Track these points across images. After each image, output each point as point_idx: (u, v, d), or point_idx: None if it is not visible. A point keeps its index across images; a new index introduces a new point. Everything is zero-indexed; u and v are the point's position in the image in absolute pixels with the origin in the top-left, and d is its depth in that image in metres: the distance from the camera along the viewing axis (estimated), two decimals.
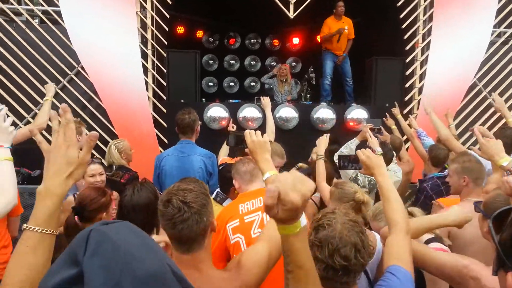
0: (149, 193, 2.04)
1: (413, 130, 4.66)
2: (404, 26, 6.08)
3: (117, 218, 2.05)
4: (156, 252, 0.68)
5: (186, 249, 1.39)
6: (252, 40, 9.58)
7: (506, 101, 6.15)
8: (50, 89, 3.74)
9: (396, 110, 5.13)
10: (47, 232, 1.05)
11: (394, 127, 5.14)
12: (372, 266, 2.36)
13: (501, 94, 6.12)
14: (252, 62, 9.62)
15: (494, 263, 0.78)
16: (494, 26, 6.06)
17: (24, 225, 1.05)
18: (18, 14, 5.52)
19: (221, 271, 1.46)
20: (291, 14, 6.07)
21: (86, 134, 3.57)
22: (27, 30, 5.37)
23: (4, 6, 5.45)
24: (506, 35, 6.21)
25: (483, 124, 6.05)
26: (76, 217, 2.25)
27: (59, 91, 5.42)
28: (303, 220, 1.01)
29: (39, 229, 1.03)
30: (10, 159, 1.95)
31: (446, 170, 3.27)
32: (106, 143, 5.34)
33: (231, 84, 9.58)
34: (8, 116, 2.06)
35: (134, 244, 0.66)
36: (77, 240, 0.66)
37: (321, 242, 1.31)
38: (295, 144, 5.55)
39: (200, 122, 3.52)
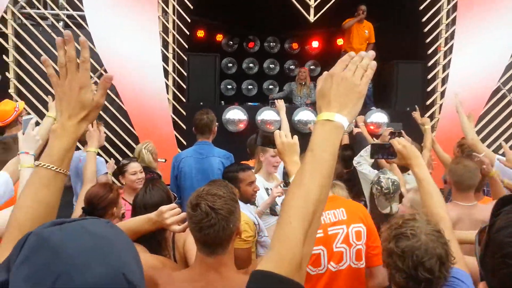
0: (161, 192, 2.05)
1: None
2: (426, 29, 6.00)
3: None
4: (111, 258, 0.60)
5: (210, 252, 1.42)
6: (271, 44, 9.58)
7: None
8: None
9: (416, 114, 4.97)
10: (61, 171, 0.99)
11: (427, 127, 4.56)
12: None
13: None
14: (271, 66, 9.63)
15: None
16: None
17: (37, 162, 1.00)
18: (44, 18, 5.68)
19: (242, 274, 1.47)
20: (312, 18, 6.05)
21: (105, 133, 3.67)
22: (53, 34, 5.51)
23: (32, 11, 5.61)
24: None
25: (507, 129, 5.91)
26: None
27: None
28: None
29: (53, 167, 0.98)
30: (33, 166, 1.99)
31: None
32: (127, 144, 5.44)
33: (249, 87, 9.60)
34: (37, 125, 2.15)
35: (81, 249, 0.59)
36: (17, 243, 0.61)
37: (404, 253, 1.26)
38: None
39: (217, 123, 3.54)
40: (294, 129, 5.57)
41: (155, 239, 1.81)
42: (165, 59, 5.65)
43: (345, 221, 2.13)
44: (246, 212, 2.62)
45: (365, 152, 3.76)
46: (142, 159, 3.64)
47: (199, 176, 3.33)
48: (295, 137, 1.79)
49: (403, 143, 1.78)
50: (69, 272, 0.56)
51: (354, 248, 2.11)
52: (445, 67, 5.99)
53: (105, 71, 5.51)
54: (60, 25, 5.73)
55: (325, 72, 0.98)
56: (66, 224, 0.63)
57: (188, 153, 3.53)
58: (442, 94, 5.92)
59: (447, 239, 1.35)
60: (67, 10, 5.64)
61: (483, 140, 5.59)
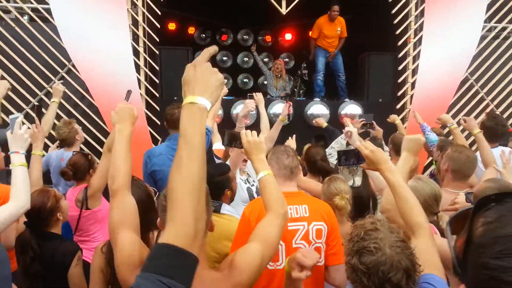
0: (137, 189, 1.98)
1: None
2: (396, 21, 6.10)
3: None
4: None
5: None
6: (245, 36, 9.52)
7: (497, 95, 6.22)
8: (58, 90, 3.84)
9: (392, 117, 4.94)
10: None
11: (398, 121, 4.85)
12: None
13: (492, 88, 6.19)
14: (245, 59, 9.58)
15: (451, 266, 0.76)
16: (485, 21, 6.10)
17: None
18: (7, 11, 5.44)
19: (214, 271, 1.44)
20: (284, 10, 6.05)
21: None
22: (17, 28, 5.30)
23: None
24: (496, 30, 6.26)
25: (475, 117, 6.10)
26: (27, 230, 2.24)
27: (50, 89, 5.36)
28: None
29: None
30: (25, 165, 2.07)
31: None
32: (99, 141, 5.31)
33: (223, 80, 9.53)
34: (23, 123, 2.17)
35: None
36: None
37: (369, 269, 1.20)
38: None
39: None
40: (270, 122, 5.56)
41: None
42: (136, 53, 5.53)
43: (306, 218, 2.12)
44: (237, 216, 2.49)
45: (336, 144, 3.78)
46: None
47: None
48: (261, 135, 1.80)
49: (370, 148, 1.73)
50: None
51: (313, 245, 2.10)
52: (415, 58, 6.11)
53: (73, 66, 5.35)
54: (24, 19, 5.51)
55: (189, 64, 1.11)
56: None
57: (162, 151, 3.37)
58: (413, 85, 6.04)
59: (429, 247, 1.34)
60: (32, 3, 5.41)
61: None
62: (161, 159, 3.27)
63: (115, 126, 1.77)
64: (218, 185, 2.46)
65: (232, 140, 1.88)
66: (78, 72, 5.34)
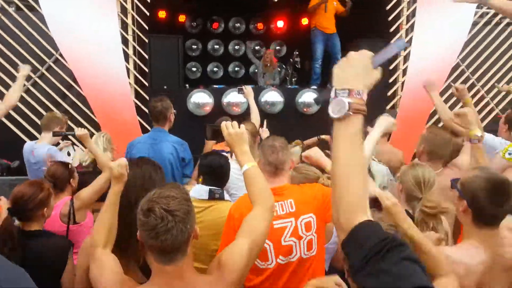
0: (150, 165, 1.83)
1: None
2: (388, 7, 6.05)
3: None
4: None
5: (168, 259, 1.33)
6: (236, 24, 9.42)
7: (488, 81, 6.21)
8: (24, 68, 3.79)
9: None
10: None
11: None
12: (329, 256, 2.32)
13: (483, 75, 6.20)
14: (236, 47, 9.48)
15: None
16: (477, 7, 6.06)
17: None
18: None
19: (204, 275, 1.43)
20: None
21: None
22: (3, 18, 5.20)
23: None
24: (488, 16, 6.23)
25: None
26: (14, 218, 2.08)
27: (37, 79, 5.29)
28: None
29: None
30: None
31: None
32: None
33: (215, 69, 9.45)
34: None
35: None
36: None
37: None
38: (280, 129, 5.50)
39: (174, 111, 3.39)
40: (261, 110, 5.54)
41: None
42: (124, 41, 5.45)
43: (293, 213, 2.04)
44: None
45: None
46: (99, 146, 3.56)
47: None
48: (242, 126, 1.72)
49: (392, 200, 1.61)
50: None
51: (304, 240, 2.04)
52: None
53: (61, 55, 5.27)
54: (11, 9, 5.38)
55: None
56: None
57: (141, 139, 3.47)
58: (404, 71, 6.02)
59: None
60: None
61: None
62: (139, 147, 3.32)
63: (117, 184, 1.59)
64: (222, 174, 2.60)
65: (214, 134, 1.83)
66: (65, 61, 5.26)
